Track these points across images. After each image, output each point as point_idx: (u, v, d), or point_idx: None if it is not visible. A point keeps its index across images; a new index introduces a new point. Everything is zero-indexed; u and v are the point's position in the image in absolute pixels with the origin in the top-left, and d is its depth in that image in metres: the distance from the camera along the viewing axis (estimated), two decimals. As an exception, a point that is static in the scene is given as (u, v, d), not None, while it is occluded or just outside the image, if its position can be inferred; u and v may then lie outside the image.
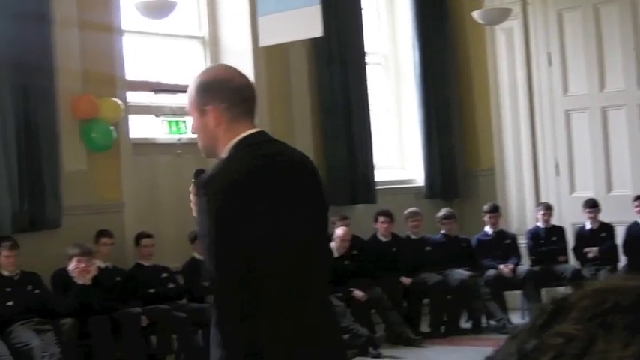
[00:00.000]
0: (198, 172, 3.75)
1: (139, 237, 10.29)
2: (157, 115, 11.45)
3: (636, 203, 12.38)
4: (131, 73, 10.97)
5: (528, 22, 13.67)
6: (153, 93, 11.39)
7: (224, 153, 3.71)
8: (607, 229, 12.57)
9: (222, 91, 3.73)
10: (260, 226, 3.55)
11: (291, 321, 3.58)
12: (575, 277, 12.06)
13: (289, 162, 3.75)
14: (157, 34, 11.57)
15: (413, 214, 12.43)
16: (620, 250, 12.43)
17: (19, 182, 9.51)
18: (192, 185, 3.72)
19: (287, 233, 3.63)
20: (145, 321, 9.47)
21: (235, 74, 3.82)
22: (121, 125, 10.55)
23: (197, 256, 10.48)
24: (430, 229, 12.69)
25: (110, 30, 10.58)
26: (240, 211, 3.54)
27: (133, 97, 11.02)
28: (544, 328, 1.02)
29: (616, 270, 12.19)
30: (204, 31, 12.02)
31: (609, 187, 13.21)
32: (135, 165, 10.84)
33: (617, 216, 12.60)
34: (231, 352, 3.54)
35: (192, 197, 3.70)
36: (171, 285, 10.29)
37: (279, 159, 3.71)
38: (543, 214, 12.71)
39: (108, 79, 10.49)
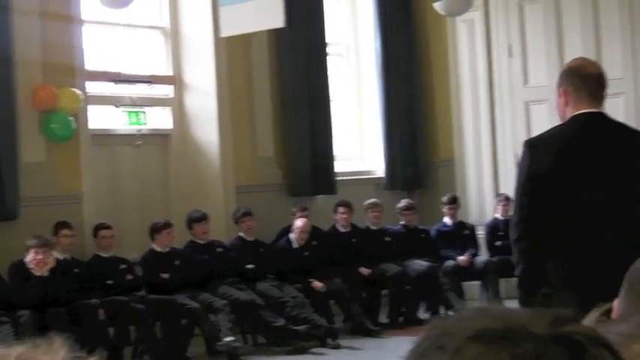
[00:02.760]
0: None
1: (98, 228, 10.27)
2: (116, 106, 11.41)
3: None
4: (91, 63, 10.93)
5: (489, 13, 13.73)
6: (113, 83, 11.34)
7: None
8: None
9: (572, 77, 4.70)
10: (552, 179, 4.58)
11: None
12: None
13: (601, 129, 4.69)
14: (117, 24, 11.53)
15: (373, 205, 12.46)
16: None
17: (-23, 173, 9.49)
18: None
19: (578, 188, 4.59)
20: (102, 314, 9.47)
21: (586, 64, 4.88)
22: (81, 116, 10.53)
23: (156, 247, 10.49)
24: (390, 220, 12.74)
25: (70, 20, 10.54)
26: (534, 166, 4.63)
27: (93, 88, 10.99)
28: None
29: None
30: (165, 22, 11.99)
31: (568, 179, 13.29)
32: (94, 156, 10.82)
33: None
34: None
35: None
36: (129, 276, 10.28)
37: (590, 126, 4.66)
38: (504, 205, 12.77)
39: (67, 69, 10.46)
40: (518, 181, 4.75)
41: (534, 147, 4.73)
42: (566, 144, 4.66)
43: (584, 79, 4.65)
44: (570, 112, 4.67)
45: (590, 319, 2.21)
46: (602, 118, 4.74)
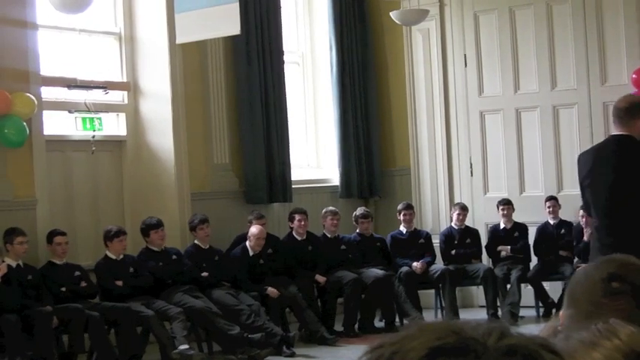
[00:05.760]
0: None
1: (52, 235, 10.16)
2: (70, 112, 11.31)
3: (548, 204, 12.58)
4: (46, 68, 10.82)
5: (445, 23, 13.79)
6: (67, 89, 11.24)
7: None
8: (520, 228, 12.71)
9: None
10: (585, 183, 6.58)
11: None
12: (488, 277, 12.21)
13: (602, 147, 6.71)
14: (72, 30, 11.43)
15: (332, 213, 12.42)
16: (531, 249, 12.61)
17: None
18: None
19: (601, 186, 6.45)
20: (55, 322, 9.37)
21: (619, 99, 6.60)
22: (35, 121, 10.40)
23: (110, 255, 10.41)
24: (345, 228, 12.73)
25: (24, 25, 10.42)
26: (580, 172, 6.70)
27: (47, 93, 10.87)
28: None
29: (528, 269, 12.38)
30: (121, 27, 11.91)
31: (522, 188, 13.38)
32: (48, 161, 10.70)
33: (529, 216, 12.80)
34: None
35: None
36: (83, 284, 10.19)
37: (601, 144, 6.81)
38: (459, 214, 12.82)
39: (21, 74, 10.34)
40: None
41: (580, 158, 6.77)
42: (591, 157, 6.64)
43: (613, 111, 6.56)
44: None
45: (546, 328, 2.24)
46: (620, 137, 6.44)
